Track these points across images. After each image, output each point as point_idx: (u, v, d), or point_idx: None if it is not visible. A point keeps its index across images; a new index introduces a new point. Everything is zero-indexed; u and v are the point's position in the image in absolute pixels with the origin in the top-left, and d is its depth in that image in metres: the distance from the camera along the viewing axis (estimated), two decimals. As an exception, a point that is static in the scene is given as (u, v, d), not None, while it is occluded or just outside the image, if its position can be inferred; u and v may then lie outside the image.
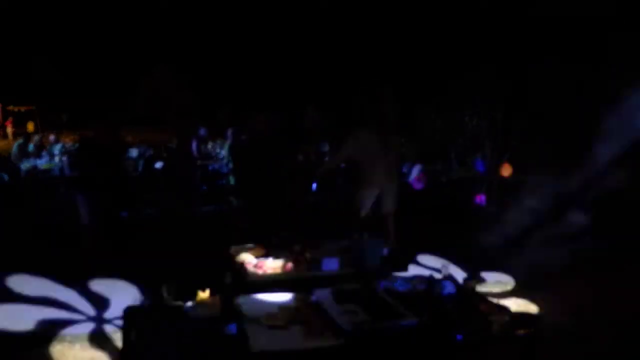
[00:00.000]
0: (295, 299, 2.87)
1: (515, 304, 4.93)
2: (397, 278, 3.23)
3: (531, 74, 9.38)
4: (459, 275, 5.58)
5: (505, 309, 2.80)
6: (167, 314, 2.69)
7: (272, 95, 19.87)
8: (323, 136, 11.58)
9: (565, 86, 9.08)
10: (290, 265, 3.40)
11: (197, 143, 9.76)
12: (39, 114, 24.80)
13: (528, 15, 9.71)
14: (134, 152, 9.79)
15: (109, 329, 3.89)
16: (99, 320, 4.07)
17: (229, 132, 8.96)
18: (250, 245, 3.80)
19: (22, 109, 25.09)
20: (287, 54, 23.66)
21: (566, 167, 8.35)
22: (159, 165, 8.07)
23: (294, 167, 8.18)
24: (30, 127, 22.03)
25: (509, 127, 9.11)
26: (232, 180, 8.08)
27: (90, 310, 4.24)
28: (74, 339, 3.71)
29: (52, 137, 11.05)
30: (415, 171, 8.52)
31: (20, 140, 9.82)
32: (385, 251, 4.92)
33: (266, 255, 3.57)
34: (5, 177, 7.92)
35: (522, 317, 3.05)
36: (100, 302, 4.38)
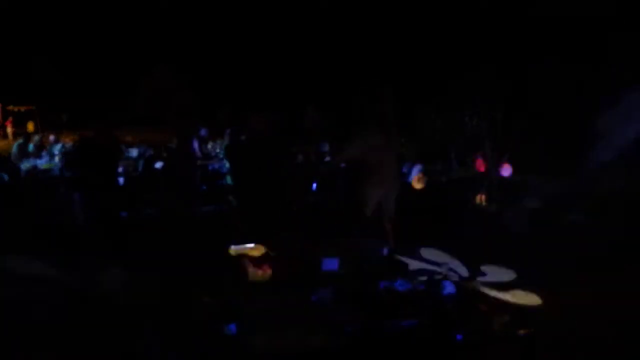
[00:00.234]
0: (295, 298, 2.86)
1: (516, 296, 5.02)
2: (397, 278, 3.23)
3: (531, 74, 9.39)
4: (459, 269, 5.74)
5: (505, 308, 2.81)
6: (167, 313, 2.68)
7: (272, 95, 19.87)
8: (323, 136, 11.58)
9: (565, 86, 9.08)
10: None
11: (198, 143, 9.76)
12: (39, 114, 24.77)
13: (528, 15, 9.71)
14: (134, 152, 9.78)
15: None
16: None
17: (227, 132, 8.96)
18: (250, 245, 3.79)
19: (22, 109, 25.07)
20: (287, 54, 23.65)
21: (566, 167, 8.36)
22: (159, 165, 8.07)
23: (294, 167, 8.19)
24: (30, 127, 22.01)
25: (509, 127, 9.11)
26: (228, 179, 8.08)
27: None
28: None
29: (52, 137, 11.05)
30: (415, 171, 8.51)
31: (20, 140, 9.82)
32: (385, 251, 4.93)
33: (266, 255, 3.57)
34: (5, 177, 7.92)
35: (522, 317, 3.05)
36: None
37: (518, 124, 9.11)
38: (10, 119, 23.83)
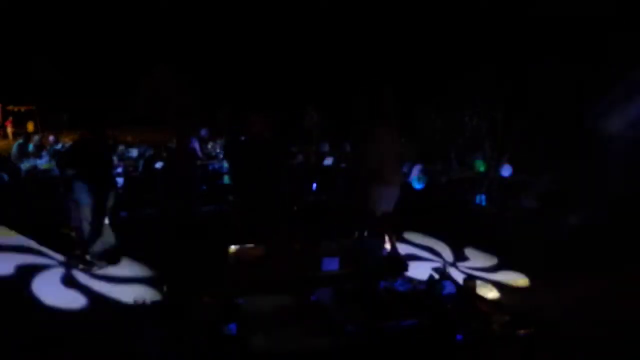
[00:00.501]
0: (295, 298, 2.86)
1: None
2: (397, 278, 3.23)
3: (531, 74, 9.39)
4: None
5: (503, 308, 2.81)
6: (168, 314, 2.69)
7: (272, 95, 19.87)
8: (323, 136, 11.58)
9: (565, 86, 9.08)
10: None
11: (198, 143, 9.75)
12: (39, 114, 24.77)
13: (528, 15, 9.71)
14: (134, 152, 9.77)
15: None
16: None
17: (226, 132, 8.95)
18: (250, 245, 3.80)
19: (22, 109, 25.06)
20: (287, 54, 23.66)
21: (566, 167, 8.36)
22: (158, 165, 8.06)
23: (294, 167, 8.20)
24: (30, 127, 21.99)
25: (509, 127, 9.10)
26: (226, 179, 8.08)
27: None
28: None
29: (51, 138, 11.04)
30: (415, 171, 8.51)
31: (20, 140, 9.81)
32: (385, 251, 4.93)
33: (267, 255, 3.57)
34: (5, 177, 7.91)
35: (522, 317, 3.05)
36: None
37: (518, 124, 9.11)
38: (10, 119, 23.83)
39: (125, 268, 5.16)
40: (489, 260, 5.63)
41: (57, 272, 5.04)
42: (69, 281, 4.83)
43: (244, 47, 26.16)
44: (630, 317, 4.10)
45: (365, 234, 5.22)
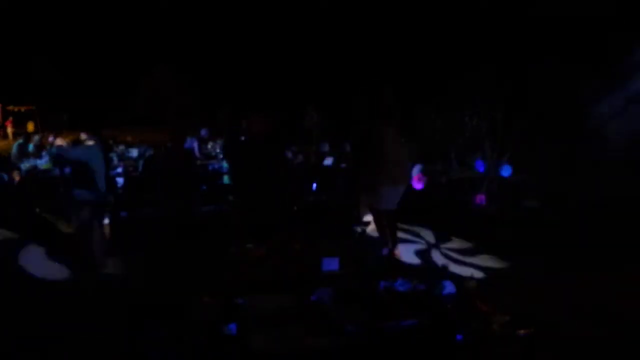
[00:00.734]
0: (295, 298, 2.86)
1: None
2: (397, 278, 3.23)
3: (531, 74, 9.39)
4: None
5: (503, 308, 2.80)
6: (168, 314, 2.69)
7: (272, 95, 19.87)
8: (323, 136, 11.58)
9: (565, 86, 9.08)
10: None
11: (198, 143, 9.75)
12: (39, 114, 24.78)
13: (528, 15, 9.71)
14: (134, 152, 9.77)
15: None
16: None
17: (226, 132, 8.94)
18: (250, 245, 3.80)
19: (22, 109, 25.07)
20: (287, 54, 23.65)
21: (566, 167, 8.35)
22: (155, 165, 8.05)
23: (294, 167, 8.19)
24: (30, 127, 22.00)
25: (509, 127, 9.10)
26: (226, 179, 8.07)
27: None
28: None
29: (51, 138, 11.03)
30: (415, 171, 8.51)
31: (20, 140, 9.81)
32: (385, 251, 4.93)
33: (267, 255, 3.57)
34: (5, 177, 7.91)
35: (522, 317, 3.05)
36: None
37: (518, 124, 9.11)
38: (10, 119, 23.83)
39: (125, 268, 5.16)
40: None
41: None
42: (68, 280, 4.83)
43: (244, 47, 26.16)
44: (630, 317, 4.10)
45: (366, 234, 5.23)
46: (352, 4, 19.80)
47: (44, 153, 9.29)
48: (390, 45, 16.34)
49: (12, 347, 3.65)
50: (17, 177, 7.42)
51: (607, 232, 6.14)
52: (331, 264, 3.41)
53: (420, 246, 5.79)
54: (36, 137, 10.30)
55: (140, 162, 8.63)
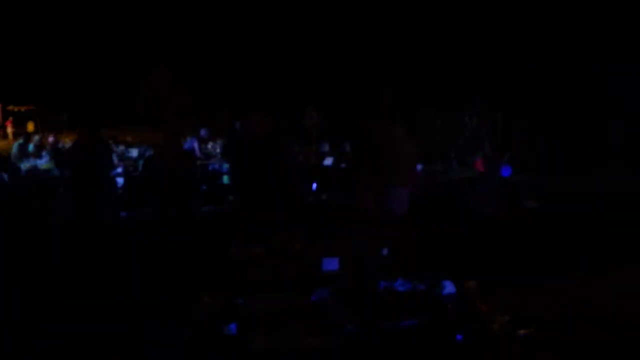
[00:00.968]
0: (295, 298, 2.87)
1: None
2: (397, 278, 3.23)
3: (531, 74, 9.39)
4: None
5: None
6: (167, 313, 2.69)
7: (272, 95, 19.87)
8: (323, 136, 11.59)
9: (565, 86, 9.09)
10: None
11: (198, 143, 9.75)
12: (39, 114, 24.78)
13: (528, 16, 9.72)
14: (134, 152, 9.78)
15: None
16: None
17: (226, 131, 8.94)
18: (250, 245, 3.80)
19: (22, 109, 25.08)
20: (287, 54, 23.66)
21: (566, 167, 8.36)
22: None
23: (295, 167, 8.18)
24: (30, 127, 22.01)
25: (509, 127, 9.11)
26: (226, 179, 8.07)
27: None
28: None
29: (51, 138, 11.03)
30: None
31: (20, 140, 9.81)
32: (385, 251, 4.92)
33: (267, 255, 3.57)
34: (5, 177, 7.91)
35: (522, 317, 3.05)
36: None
37: (518, 124, 9.12)
38: (10, 119, 23.83)
39: (125, 268, 5.16)
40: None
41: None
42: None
43: (244, 47, 26.16)
44: (630, 317, 4.09)
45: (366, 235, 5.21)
46: (352, 4, 19.80)
47: (44, 153, 9.29)
48: (390, 45, 16.34)
49: (12, 347, 3.65)
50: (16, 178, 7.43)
51: (607, 232, 6.14)
52: (331, 264, 3.41)
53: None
54: (36, 137, 10.30)
55: (140, 162, 8.64)
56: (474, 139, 9.96)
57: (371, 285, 3.01)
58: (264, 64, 24.47)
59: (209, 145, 10.62)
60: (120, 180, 7.81)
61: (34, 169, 8.31)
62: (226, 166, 8.20)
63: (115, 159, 8.90)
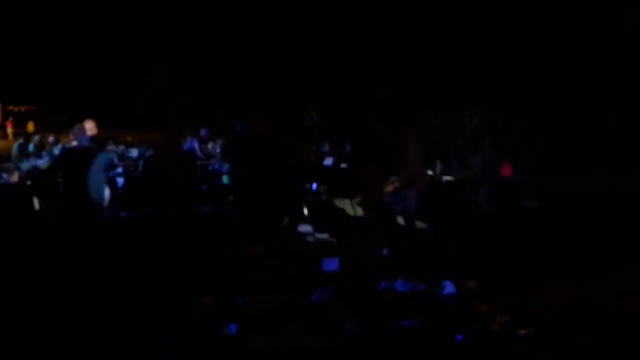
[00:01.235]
0: (295, 298, 2.86)
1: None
2: (397, 278, 3.23)
3: (531, 74, 9.40)
4: None
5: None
6: (167, 313, 2.69)
7: (272, 95, 19.87)
8: (323, 136, 11.58)
9: (564, 86, 9.09)
10: None
11: (198, 143, 9.76)
12: (39, 114, 24.79)
13: (528, 15, 9.72)
14: (134, 152, 9.79)
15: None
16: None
17: (226, 132, 8.94)
18: (250, 245, 3.79)
19: (22, 109, 25.09)
20: (287, 54, 23.65)
21: (566, 167, 8.35)
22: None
23: (301, 165, 8.16)
24: (30, 127, 22.02)
25: (509, 127, 9.12)
26: (226, 179, 8.06)
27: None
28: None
29: (51, 138, 11.04)
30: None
31: (20, 140, 9.83)
32: (385, 251, 4.92)
33: (267, 255, 3.57)
34: (5, 177, 7.92)
35: (522, 317, 3.05)
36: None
37: (518, 124, 9.12)
38: (10, 119, 23.84)
39: (125, 268, 5.16)
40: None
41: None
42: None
43: (244, 46, 26.16)
44: (630, 317, 4.09)
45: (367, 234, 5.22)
46: (352, 4, 19.80)
47: (44, 153, 9.30)
48: (391, 45, 16.34)
49: (12, 347, 3.65)
50: (15, 178, 7.42)
51: (607, 232, 6.14)
52: (331, 264, 3.41)
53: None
54: (36, 137, 10.32)
55: (140, 162, 8.64)
56: (474, 139, 9.95)
57: (371, 285, 3.01)
58: (264, 64, 24.47)
59: (209, 145, 10.63)
60: (120, 180, 7.81)
61: (34, 169, 8.32)
62: (226, 166, 8.19)
63: (115, 159, 8.90)
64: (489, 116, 9.46)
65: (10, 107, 24.91)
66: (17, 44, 27.55)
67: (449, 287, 3.00)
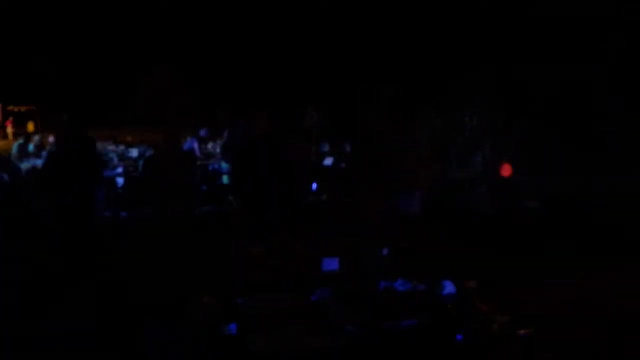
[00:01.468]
0: (295, 298, 2.87)
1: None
2: (397, 278, 3.23)
3: (531, 74, 9.39)
4: None
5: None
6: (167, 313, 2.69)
7: (272, 95, 19.87)
8: (323, 136, 11.58)
9: (564, 86, 9.09)
10: None
11: (198, 143, 9.75)
12: (39, 114, 24.79)
13: (528, 15, 9.72)
14: (134, 152, 9.78)
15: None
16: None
17: (225, 132, 8.95)
18: (250, 245, 3.79)
19: (22, 109, 25.09)
20: (287, 54, 23.65)
21: (566, 167, 8.35)
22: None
23: (303, 165, 8.16)
24: (30, 127, 22.02)
25: (509, 127, 9.11)
26: (226, 179, 8.06)
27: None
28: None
29: (51, 138, 11.02)
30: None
31: (20, 140, 9.82)
32: (385, 251, 4.92)
33: (267, 255, 3.56)
34: (5, 177, 7.91)
35: (522, 317, 3.05)
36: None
37: (518, 124, 9.11)
38: (10, 119, 23.84)
39: (126, 268, 5.16)
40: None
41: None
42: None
43: (244, 46, 26.16)
44: (630, 317, 4.09)
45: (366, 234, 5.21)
46: (352, 4, 19.80)
47: (44, 153, 9.29)
48: (390, 45, 16.34)
49: (12, 347, 3.65)
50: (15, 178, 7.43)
51: (607, 232, 6.14)
52: (331, 264, 3.40)
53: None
54: (36, 137, 10.31)
55: (140, 162, 8.64)
56: (474, 139, 9.94)
57: (371, 285, 3.01)
58: (264, 64, 24.47)
59: (209, 145, 10.63)
60: (120, 180, 7.81)
61: (34, 169, 8.31)
62: (226, 166, 8.19)
63: (115, 159, 8.90)
64: (489, 116, 9.44)
65: (10, 107, 24.91)
66: (17, 44, 27.56)
67: (449, 287, 2.99)
